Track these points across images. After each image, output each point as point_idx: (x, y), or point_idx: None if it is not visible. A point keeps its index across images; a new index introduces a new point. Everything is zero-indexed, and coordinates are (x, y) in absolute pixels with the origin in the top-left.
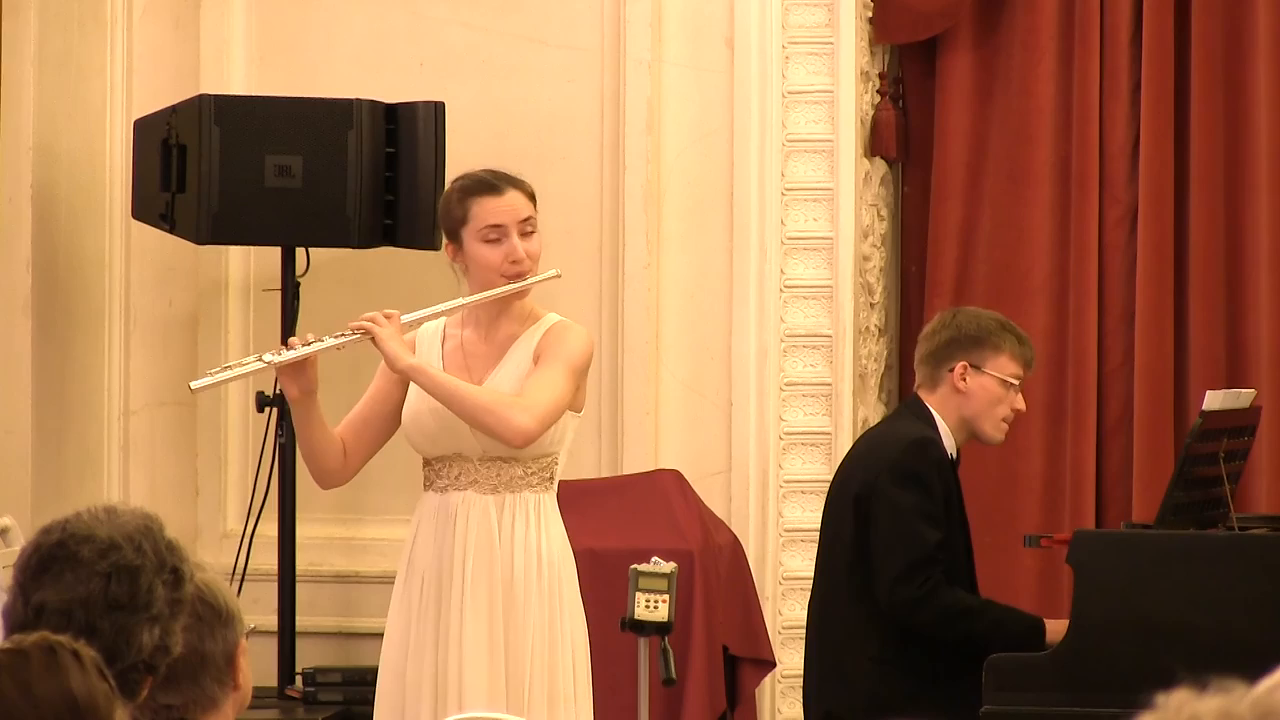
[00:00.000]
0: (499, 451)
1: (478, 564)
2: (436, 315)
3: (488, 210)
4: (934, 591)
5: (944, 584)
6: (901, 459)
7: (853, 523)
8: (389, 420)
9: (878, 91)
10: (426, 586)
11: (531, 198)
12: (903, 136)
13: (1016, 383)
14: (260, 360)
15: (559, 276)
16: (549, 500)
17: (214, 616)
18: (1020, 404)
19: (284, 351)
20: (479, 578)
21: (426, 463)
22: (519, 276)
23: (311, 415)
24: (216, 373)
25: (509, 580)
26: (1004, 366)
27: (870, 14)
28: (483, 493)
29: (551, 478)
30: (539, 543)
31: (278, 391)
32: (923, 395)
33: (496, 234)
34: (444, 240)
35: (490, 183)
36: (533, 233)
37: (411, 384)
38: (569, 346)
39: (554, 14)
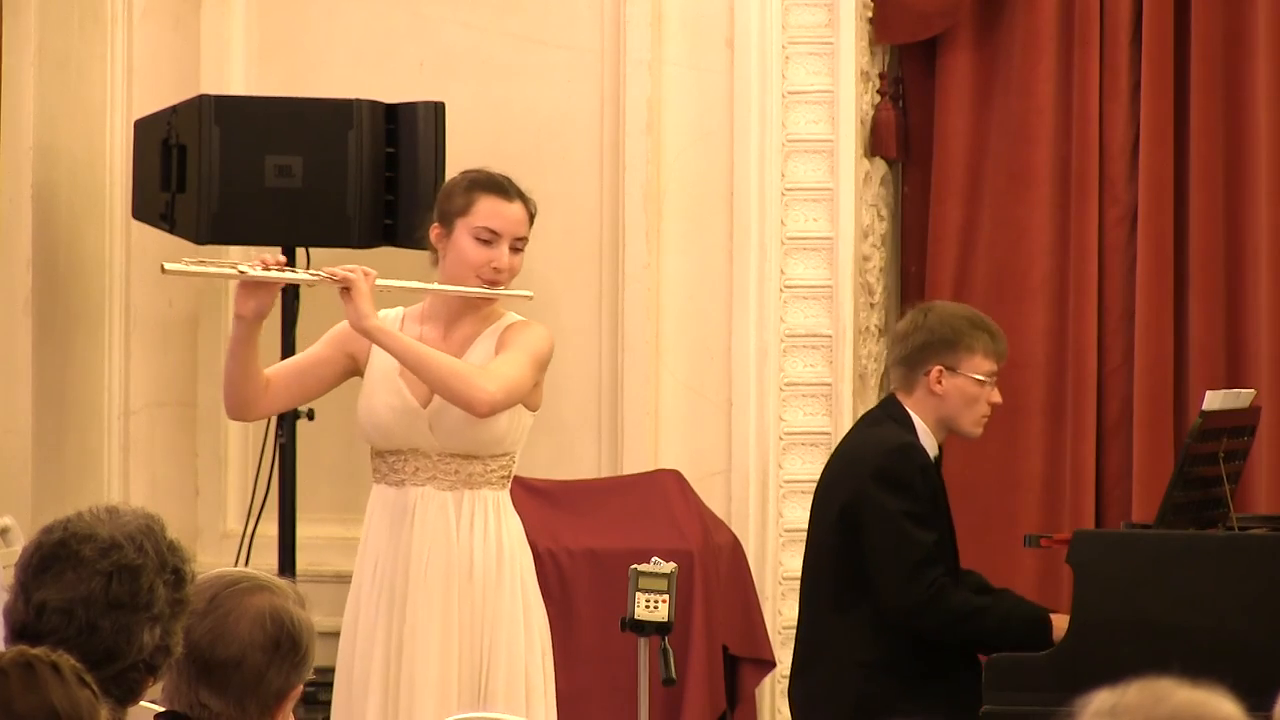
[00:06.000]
0: (456, 448)
1: (434, 560)
2: (407, 290)
3: (491, 211)
4: (940, 594)
5: (949, 586)
6: (885, 465)
7: (840, 531)
8: (320, 384)
9: (878, 91)
10: (379, 581)
11: (531, 220)
12: (903, 136)
13: (991, 379)
14: (235, 269)
15: (531, 298)
16: (505, 498)
17: (292, 653)
18: (996, 398)
19: (258, 269)
20: (435, 573)
21: (379, 454)
22: (494, 284)
23: (252, 339)
24: (191, 263)
25: (466, 575)
26: (978, 365)
27: (870, 14)
28: (441, 489)
29: (508, 476)
30: (499, 536)
31: None
32: (900, 397)
33: (490, 236)
34: (433, 220)
35: (502, 186)
36: (520, 251)
37: (368, 377)
38: (531, 338)
39: (554, 14)
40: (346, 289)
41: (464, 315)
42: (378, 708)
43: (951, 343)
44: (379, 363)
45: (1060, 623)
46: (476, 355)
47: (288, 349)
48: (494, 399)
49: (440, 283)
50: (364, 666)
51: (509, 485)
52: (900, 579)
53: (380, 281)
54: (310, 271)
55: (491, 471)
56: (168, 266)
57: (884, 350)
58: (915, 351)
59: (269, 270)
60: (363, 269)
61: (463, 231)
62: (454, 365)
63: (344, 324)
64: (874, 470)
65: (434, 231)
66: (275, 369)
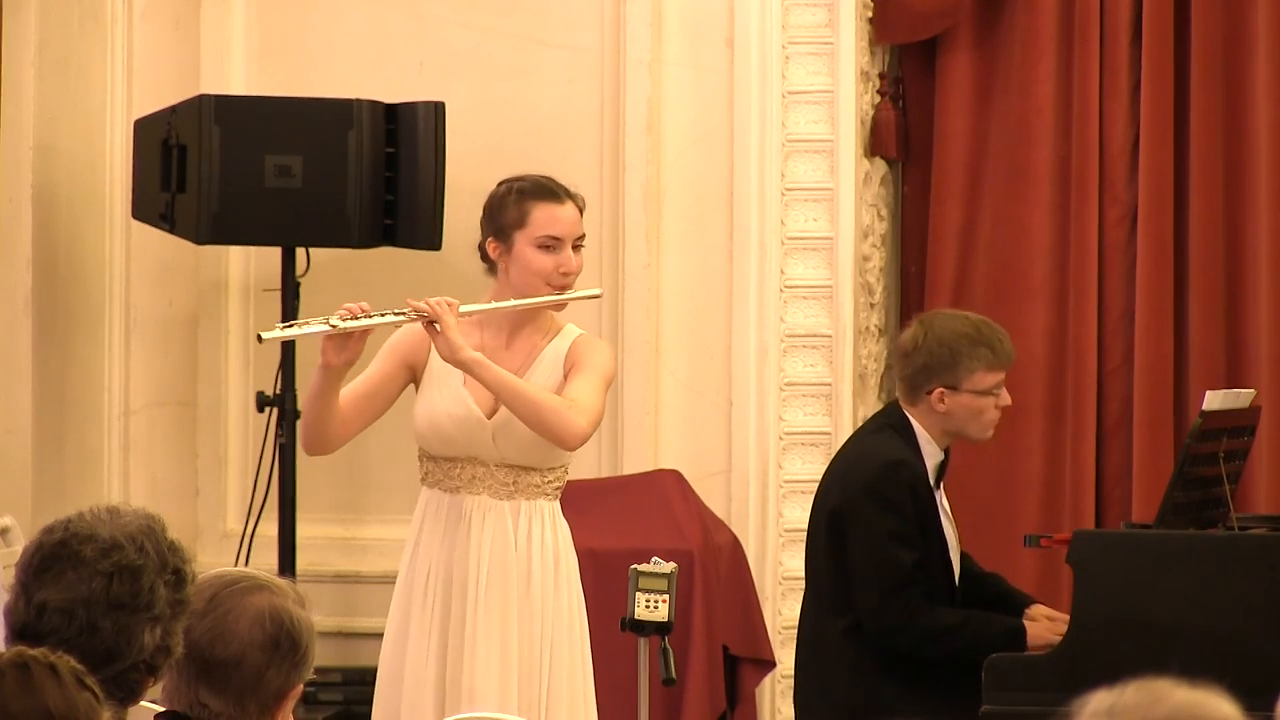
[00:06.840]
0: (517, 459)
1: (494, 567)
2: (488, 312)
3: (550, 218)
4: (913, 616)
5: (923, 606)
6: (875, 482)
7: (828, 538)
8: (387, 402)
9: (878, 91)
10: (433, 587)
11: (581, 214)
12: (903, 136)
13: (997, 388)
14: (327, 324)
15: (599, 296)
16: (558, 508)
17: (291, 652)
18: (1005, 401)
19: (348, 320)
20: (494, 581)
21: (432, 459)
22: (565, 288)
23: (339, 385)
24: (285, 328)
25: (525, 583)
26: (980, 381)
27: (870, 14)
28: (499, 498)
29: (561, 487)
30: (556, 546)
31: (277, 391)
32: (904, 406)
33: (553, 242)
34: (486, 236)
35: (552, 190)
36: (580, 249)
37: (427, 384)
38: (600, 359)
39: (554, 14)
40: (432, 323)
41: (526, 323)
42: (435, 714)
43: (951, 365)
44: (439, 370)
45: (1035, 630)
46: (541, 371)
47: (288, 355)
48: (585, 433)
49: (504, 294)
50: (417, 673)
51: (560, 495)
52: (877, 600)
53: (463, 308)
54: (395, 311)
55: (548, 482)
56: (265, 336)
57: (884, 350)
58: (916, 373)
59: (358, 319)
60: (445, 300)
61: (524, 243)
62: (548, 400)
63: (396, 337)
64: (865, 485)
65: (491, 247)
66: (345, 397)
